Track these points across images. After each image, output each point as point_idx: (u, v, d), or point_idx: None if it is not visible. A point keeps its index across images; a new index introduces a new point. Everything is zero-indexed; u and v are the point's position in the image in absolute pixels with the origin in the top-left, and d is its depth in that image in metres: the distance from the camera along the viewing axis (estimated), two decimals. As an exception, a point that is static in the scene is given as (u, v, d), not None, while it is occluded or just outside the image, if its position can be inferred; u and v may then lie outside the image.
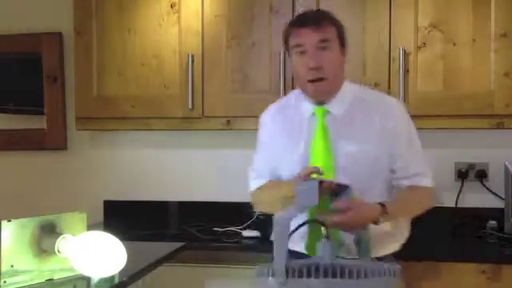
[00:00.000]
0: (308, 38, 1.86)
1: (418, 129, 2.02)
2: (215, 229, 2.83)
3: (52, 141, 3.16)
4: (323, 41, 1.85)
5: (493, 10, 2.53)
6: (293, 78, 2.65)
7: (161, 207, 3.05)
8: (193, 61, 2.72)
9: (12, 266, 1.72)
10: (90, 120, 2.85)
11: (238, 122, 2.71)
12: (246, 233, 2.76)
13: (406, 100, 2.51)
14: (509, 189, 2.64)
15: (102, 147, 3.15)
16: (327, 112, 1.92)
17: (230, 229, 2.83)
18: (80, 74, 2.84)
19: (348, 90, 1.95)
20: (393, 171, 1.94)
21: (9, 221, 1.72)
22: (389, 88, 2.55)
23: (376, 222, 1.77)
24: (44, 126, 3.16)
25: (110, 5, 2.81)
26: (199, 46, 2.73)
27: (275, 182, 2.00)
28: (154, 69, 2.77)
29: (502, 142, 2.78)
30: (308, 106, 1.95)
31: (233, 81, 2.71)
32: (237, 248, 2.62)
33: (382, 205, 1.80)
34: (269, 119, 2.06)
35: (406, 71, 2.56)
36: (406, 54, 2.56)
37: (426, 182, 1.97)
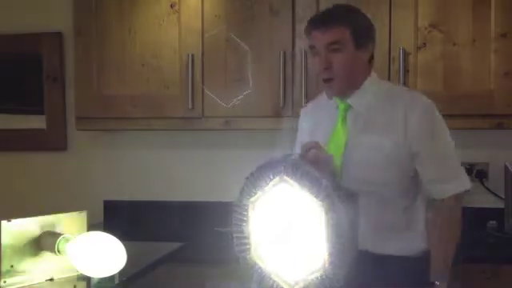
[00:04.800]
0: (318, 40, 1.89)
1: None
2: (215, 229, 2.83)
3: (52, 141, 3.16)
4: (332, 43, 1.86)
5: (493, 10, 2.53)
6: (293, 78, 2.66)
7: (161, 207, 3.05)
8: (193, 61, 2.72)
9: (12, 266, 1.72)
10: (89, 120, 2.85)
11: (238, 122, 2.71)
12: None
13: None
14: (509, 189, 2.64)
15: (102, 147, 3.15)
16: (349, 106, 1.93)
17: (230, 228, 2.82)
18: (80, 73, 2.84)
19: (372, 85, 1.94)
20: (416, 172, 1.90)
21: (9, 221, 1.72)
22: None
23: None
24: (44, 126, 3.16)
25: (109, 5, 2.81)
26: (199, 46, 2.73)
27: None
28: (154, 69, 2.77)
29: (502, 142, 2.78)
30: (334, 101, 1.98)
31: (233, 81, 2.72)
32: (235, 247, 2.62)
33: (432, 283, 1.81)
34: (303, 112, 2.14)
35: (406, 71, 2.56)
36: (406, 54, 2.56)
37: (446, 188, 1.88)
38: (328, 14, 1.92)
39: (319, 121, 2.02)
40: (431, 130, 1.87)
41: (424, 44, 2.57)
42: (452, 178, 1.88)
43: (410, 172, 1.88)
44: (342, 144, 1.88)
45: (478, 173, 2.81)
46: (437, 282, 1.80)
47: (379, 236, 1.87)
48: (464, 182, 1.89)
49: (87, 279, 1.82)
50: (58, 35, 3.14)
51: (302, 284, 1.51)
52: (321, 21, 1.90)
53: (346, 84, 1.91)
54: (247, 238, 1.71)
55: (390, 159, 1.85)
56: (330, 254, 1.43)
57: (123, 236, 1.82)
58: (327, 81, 1.90)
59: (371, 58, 1.95)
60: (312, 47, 1.91)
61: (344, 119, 1.92)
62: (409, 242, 1.90)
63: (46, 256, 1.79)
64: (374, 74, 1.97)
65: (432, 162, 1.87)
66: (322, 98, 2.06)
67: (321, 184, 1.44)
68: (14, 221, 1.73)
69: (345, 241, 1.43)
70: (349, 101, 1.92)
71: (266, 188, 1.63)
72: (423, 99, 1.91)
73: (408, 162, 1.86)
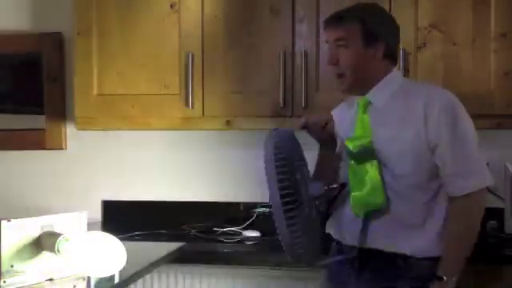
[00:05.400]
0: (328, 36, 1.97)
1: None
2: (215, 229, 2.83)
3: (52, 141, 3.16)
4: (339, 39, 1.91)
5: (493, 10, 2.53)
6: (293, 78, 2.66)
7: (161, 207, 3.04)
8: (193, 61, 2.72)
9: (12, 266, 1.72)
10: (89, 120, 2.84)
11: (238, 122, 2.71)
12: (247, 233, 2.77)
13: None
14: (509, 189, 2.64)
15: (102, 147, 3.14)
16: (369, 102, 1.95)
17: (230, 229, 2.83)
18: (80, 73, 2.84)
19: (392, 82, 1.95)
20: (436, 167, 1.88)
21: (9, 221, 1.72)
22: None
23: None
24: (44, 126, 3.16)
25: (110, 5, 2.81)
26: (199, 46, 2.73)
27: None
28: (154, 69, 2.77)
29: (502, 142, 2.78)
30: (357, 98, 2.00)
31: (233, 81, 2.71)
32: (237, 248, 2.62)
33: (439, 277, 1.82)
34: (334, 111, 2.15)
35: (407, 71, 2.56)
36: (406, 54, 2.56)
37: (464, 184, 1.84)
38: (341, 11, 1.97)
39: (343, 118, 2.06)
40: (451, 124, 1.84)
41: (424, 44, 2.57)
42: (471, 174, 1.85)
43: (430, 167, 1.86)
44: (367, 128, 1.91)
45: (477, 173, 2.80)
46: (444, 278, 1.79)
47: (393, 232, 1.87)
48: (484, 178, 1.86)
49: (87, 279, 1.82)
50: (58, 35, 3.13)
51: None
52: (332, 17, 1.96)
53: (354, 80, 1.93)
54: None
55: (408, 150, 1.85)
56: None
57: (123, 236, 1.82)
58: (338, 76, 1.95)
59: (391, 55, 1.97)
60: (326, 43, 1.98)
61: (364, 112, 1.94)
62: (424, 242, 1.86)
63: (46, 256, 1.79)
64: (395, 72, 2.00)
65: (450, 157, 1.84)
66: (349, 99, 2.08)
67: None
68: (13, 221, 1.73)
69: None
70: (369, 96, 1.94)
71: None
72: (445, 95, 1.91)
73: (427, 155, 1.85)
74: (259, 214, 2.81)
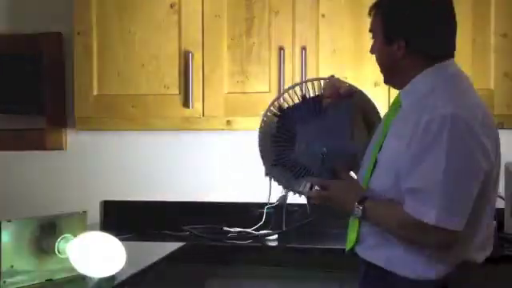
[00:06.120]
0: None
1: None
2: (215, 229, 2.83)
3: (52, 141, 3.16)
4: (370, 30, 1.85)
5: (493, 9, 2.53)
6: (293, 79, 2.66)
7: (160, 207, 3.04)
8: (193, 61, 2.72)
9: (12, 266, 1.72)
10: (89, 120, 2.85)
11: (238, 122, 2.71)
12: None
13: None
14: (509, 189, 2.64)
15: (102, 147, 3.14)
16: (401, 103, 1.81)
17: (230, 229, 2.83)
18: (80, 73, 2.84)
19: (421, 82, 1.74)
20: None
21: (9, 221, 1.72)
22: (389, 88, 2.55)
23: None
24: (44, 126, 3.16)
25: (109, 5, 2.81)
26: (199, 46, 2.73)
27: None
28: (154, 69, 2.77)
29: (502, 143, 2.76)
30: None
31: (233, 81, 2.72)
32: (237, 248, 2.62)
33: (364, 197, 1.73)
34: None
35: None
36: (406, 54, 2.55)
37: (420, 211, 1.61)
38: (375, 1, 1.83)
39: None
40: (425, 147, 1.61)
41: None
42: (428, 199, 1.61)
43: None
44: (376, 144, 1.82)
45: (478, 173, 2.80)
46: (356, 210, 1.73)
47: (391, 250, 1.73)
48: (442, 218, 1.58)
49: (87, 279, 1.82)
50: (58, 35, 3.13)
51: None
52: (370, 6, 1.84)
53: (385, 74, 1.85)
54: None
55: (391, 162, 1.70)
56: None
57: (123, 236, 1.82)
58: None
59: (420, 51, 1.74)
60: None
61: (388, 117, 1.85)
62: (414, 261, 1.70)
63: (46, 256, 1.79)
64: (430, 70, 1.74)
65: (413, 170, 1.64)
66: None
67: None
68: (14, 221, 1.73)
69: None
70: (401, 96, 1.82)
71: None
72: (450, 106, 1.63)
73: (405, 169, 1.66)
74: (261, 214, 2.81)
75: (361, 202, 1.73)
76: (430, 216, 1.60)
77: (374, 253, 1.77)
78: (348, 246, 1.84)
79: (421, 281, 1.69)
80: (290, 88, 2.01)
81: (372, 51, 1.86)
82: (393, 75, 1.84)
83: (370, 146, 1.87)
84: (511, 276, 2.30)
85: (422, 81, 1.75)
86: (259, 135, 2.00)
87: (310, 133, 1.90)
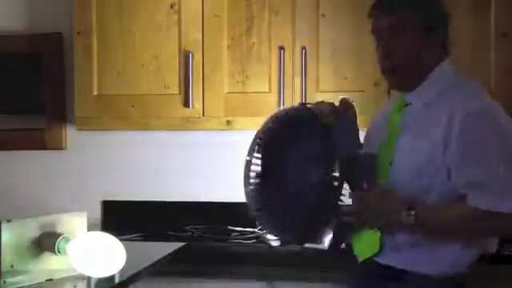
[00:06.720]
0: (379, 24, 1.76)
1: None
2: (215, 229, 2.83)
3: (52, 141, 3.16)
4: (393, 27, 1.72)
5: (493, 9, 2.53)
6: (293, 79, 2.66)
7: (161, 207, 3.04)
8: (193, 61, 2.72)
9: (12, 266, 1.72)
10: (89, 120, 2.85)
11: (238, 121, 2.71)
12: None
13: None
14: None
15: (102, 147, 3.14)
16: (407, 103, 1.80)
17: (231, 229, 2.83)
18: (80, 73, 2.84)
19: (440, 76, 1.77)
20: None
21: (9, 221, 1.72)
22: (389, 89, 2.55)
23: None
24: (44, 126, 3.16)
25: (110, 5, 2.81)
26: (199, 46, 2.73)
27: None
28: (154, 69, 2.77)
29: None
30: (396, 97, 1.88)
31: (233, 81, 2.72)
32: (238, 248, 2.62)
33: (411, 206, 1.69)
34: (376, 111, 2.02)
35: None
36: (406, 54, 2.55)
37: (492, 203, 1.64)
38: None
39: (375, 118, 1.94)
40: (473, 142, 1.65)
41: (424, 44, 2.56)
42: (491, 194, 1.66)
43: (446, 181, 1.70)
44: (388, 144, 1.78)
45: (478, 173, 2.80)
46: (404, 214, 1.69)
47: (407, 248, 1.75)
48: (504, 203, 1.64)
49: (87, 279, 1.82)
50: (58, 35, 3.13)
51: None
52: (382, 3, 1.76)
53: (410, 73, 1.77)
54: None
55: (424, 161, 1.69)
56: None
57: (123, 236, 1.82)
58: (389, 71, 1.78)
59: (444, 44, 1.80)
60: (371, 33, 1.80)
61: (397, 117, 1.80)
62: (440, 259, 1.73)
63: (46, 256, 1.79)
64: (445, 63, 1.79)
65: (464, 176, 1.67)
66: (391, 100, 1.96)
67: None
68: (14, 221, 1.73)
69: None
70: (409, 96, 1.79)
71: None
72: (479, 101, 1.70)
73: (444, 170, 1.68)
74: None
75: (410, 209, 1.69)
76: (504, 206, 1.64)
77: (397, 256, 1.76)
78: (364, 257, 1.80)
79: (440, 277, 1.72)
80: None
81: (403, 48, 1.73)
82: (418, 72, 1.77)
83: (368, 147, 1.85)
84: (511, 276, 2.29)
85: (437, 77, 1.77)
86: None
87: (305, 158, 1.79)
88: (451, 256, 1.74)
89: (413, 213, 1.68)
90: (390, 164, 1.74)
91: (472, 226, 1.72)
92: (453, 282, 1.74)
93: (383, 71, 1.81)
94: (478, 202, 1.66)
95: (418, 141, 1.72)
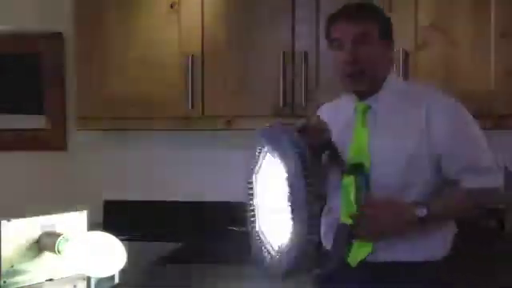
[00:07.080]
0: (345, 32, 1.82)
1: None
2: (215, 229, 2.83)
3: (52, 141, 3.16)
4: (359, 35, 1.80)
5: (493, 9, 2.53)
6: (293, 78, 2.66)
7: (161, 207, 3.05)
8: (193, 61, 2.72)
9: (12, 266, 1.72)
10: (90, 120, 2.85)
11: (238, 121, 2.71)
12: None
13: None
14: (509, 189, 2.64)
15: (102, 147, 3.14)
16: (368, 107, 1.85)
17: (231, 228, 2.83)
18: (80, 73, 2.84)
19: (392, 84, 1.88)
20: (440, 172, 1.81)
21: (9, 221, 1.72)
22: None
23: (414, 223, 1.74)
24: (44, 126, 3.16)
25: (110, 5, 2.81)
26: (199, 46, 2.73)
27: None
28: (155, 69, 2.77)
29: (502, 142, 2.77)
30: (351, 103, 1.90)
31: (233, 81, 2.72)
32: (236, 248, 2.62)
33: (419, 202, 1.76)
34: (323, 110, 2.01)
35: (406, 71, 2.56)
36: (406, 55, 2.55)
37: (480, 180, 1.79)
38: (355, 6, 1.86)
39: (334, 122, 1.90)
40: (455, 130, 1.80)
41: (424, 44, 2.57)
42: (481, 174, 1.81)
43: (429, 175, 1.80)
44: (365, 146, 1.82)
45: (478, 173, 2.80)
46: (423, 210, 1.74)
47: (393, 243, 1.79)
48: (495, 179, 1.83)
49: (87, 279, 1.82)
50: (58, 35, 3.13)
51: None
52: (348, 12, 1.84)
53: (373, 78, 1.84)
54: (254, 210, 1.78)
55: (411, 160, 1.77)
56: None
57: (123, 236, 1.82)
58: (355, 74, 1.82)
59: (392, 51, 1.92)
60: (335, 40, 1.85)
61: (363, 120, 1.85)
62: (425, 249, 1.80)
63: (46, 256, 1.79)
64: (393, 73, 1.95)
65: (458, 163, 1.80)
66: (340, 99, 1.99)
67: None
68: (13, 221, 1.73)
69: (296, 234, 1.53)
70: (369, 100, 1.85)
71: (260, 159, 1.75)
72: (446, 99, 1.87)
73: (429, 163, 1.79)
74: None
75: (420, 204, 1.76)
76: (496, 181, 1.84)
77: (389, 251, 1.79)
78: (356, 261, 1.82)
79: (429, 261, 1.80)
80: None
81: (369, 54, 1.81)
82: (378, 78, 1.86)
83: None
84: (511, 276, 2.29)
85: (394, 82, 1.90)
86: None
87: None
88: (440, 240, 1.83)
89: (423, 206, 1.75)
90: (369, 170, 1.79)
91: (470, 206, 1.85)
92: (440, 264, 1.82)
93: (348, 75, 1.84)
94: (474, 183, 1.79)
95: (396, 142, 1.79)
